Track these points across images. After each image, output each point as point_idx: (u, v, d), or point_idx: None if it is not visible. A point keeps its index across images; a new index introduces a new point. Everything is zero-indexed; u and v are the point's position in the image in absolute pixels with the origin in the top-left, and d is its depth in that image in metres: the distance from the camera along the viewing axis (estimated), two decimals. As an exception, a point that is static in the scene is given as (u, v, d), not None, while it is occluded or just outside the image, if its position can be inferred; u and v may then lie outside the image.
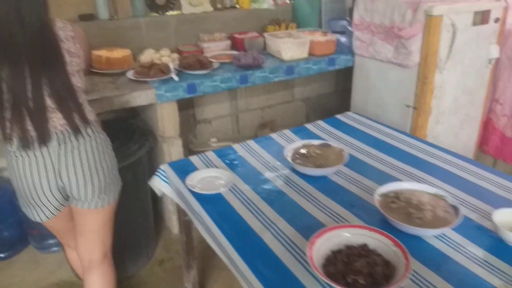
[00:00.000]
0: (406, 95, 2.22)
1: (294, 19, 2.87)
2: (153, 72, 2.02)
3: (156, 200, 2.23)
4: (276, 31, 2.70)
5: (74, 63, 1.28)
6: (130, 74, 2.05)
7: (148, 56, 2.29)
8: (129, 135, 1.95)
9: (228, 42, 2.60)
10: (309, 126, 1.89)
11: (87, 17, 2.29)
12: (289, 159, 1.48)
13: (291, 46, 2.34)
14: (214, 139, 2.96)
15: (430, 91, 2.12)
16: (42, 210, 1.34)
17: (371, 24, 2.27)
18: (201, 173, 1.46)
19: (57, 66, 1.24)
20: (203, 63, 2.13)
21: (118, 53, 2.17)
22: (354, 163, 1.52)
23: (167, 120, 2.06)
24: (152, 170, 1.73)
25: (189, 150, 2.80)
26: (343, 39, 2.50)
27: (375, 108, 2.43)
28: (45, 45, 1.21)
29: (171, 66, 2.11)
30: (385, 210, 1.18)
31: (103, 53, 2.15)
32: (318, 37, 2.44)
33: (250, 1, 2.76)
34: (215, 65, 2.20)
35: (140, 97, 1.91)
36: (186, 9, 2.55)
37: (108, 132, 1.47)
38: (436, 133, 2.27)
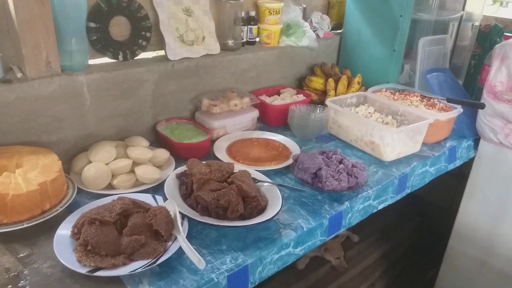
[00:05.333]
0: None
1: (345, 63, 1.69)
2: (130, 243, 0.73)
3: None
4: (329, 87, 1.53)
5: None
6: (63, 247, 0.74)
7: (100, 170, 0.97)
8: None
9: (254, 114, 1.37)
10: None
11: None
12: None
13: (404, 138, 1.17)
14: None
15: None
16: None
17: (550, 96, 1.20)
18: None
19: None
20: (252, 197, 0.88)
21: (27, 174, 0.84)
22: None
23: None
24: None
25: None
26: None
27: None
28: None
29: (175, 211, 0.82)
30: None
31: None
32: (433, 111, 1.31)
33: (281, 35, 1.55)
34: (274, 197, 0.96)
35: None
36: (173, 51, 1.25)
37: None
38: None
